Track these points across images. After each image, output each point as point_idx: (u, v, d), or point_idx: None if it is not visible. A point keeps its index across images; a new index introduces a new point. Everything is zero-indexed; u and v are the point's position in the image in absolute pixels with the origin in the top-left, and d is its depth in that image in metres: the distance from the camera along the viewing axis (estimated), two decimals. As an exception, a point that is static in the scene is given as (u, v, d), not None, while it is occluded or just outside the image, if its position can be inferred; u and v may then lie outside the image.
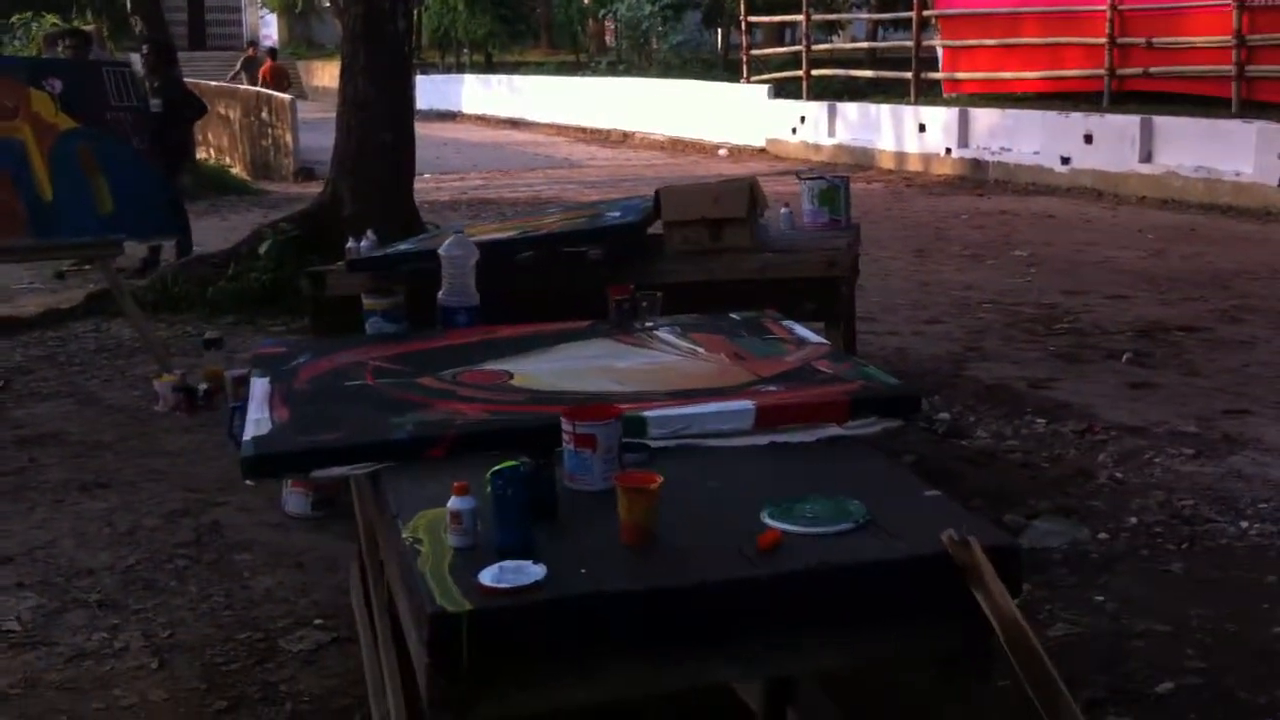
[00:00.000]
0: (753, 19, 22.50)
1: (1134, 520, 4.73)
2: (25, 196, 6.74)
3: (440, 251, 3.90)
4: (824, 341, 3.67)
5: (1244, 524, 4.67)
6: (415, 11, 19.09)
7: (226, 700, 3.64)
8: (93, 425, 6.43)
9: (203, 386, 6.65)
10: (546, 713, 2.27)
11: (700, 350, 3.52)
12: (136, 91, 7.51)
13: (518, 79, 30.05)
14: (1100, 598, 4.13)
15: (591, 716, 2.31)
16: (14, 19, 23.70)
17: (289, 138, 18.90)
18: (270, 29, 43.59)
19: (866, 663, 2.57)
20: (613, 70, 28.53)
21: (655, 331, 3.72)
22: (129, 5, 16.13)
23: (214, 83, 23.01)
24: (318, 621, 4.14)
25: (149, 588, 4.43)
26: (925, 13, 18.33)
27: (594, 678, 2.22)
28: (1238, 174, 12.87)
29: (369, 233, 5.25)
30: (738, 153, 20.25)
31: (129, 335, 8.05)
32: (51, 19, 23.03)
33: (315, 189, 12.58)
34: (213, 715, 3.57)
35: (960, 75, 17.97)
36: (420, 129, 10.20)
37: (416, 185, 10.10)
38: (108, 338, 8.37)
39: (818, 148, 18.90)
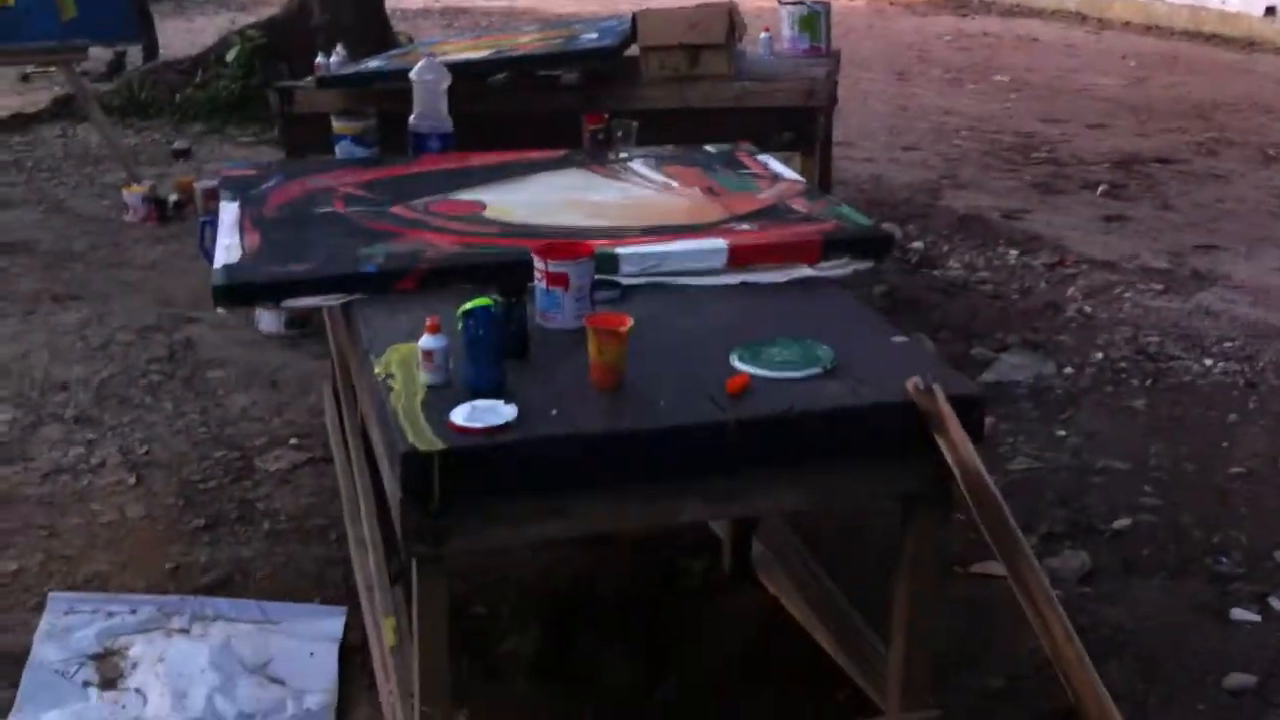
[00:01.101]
0: None
1: (1100, 356, 4.79)
2: (-15, 0, 6.58)
3: (411, 75, 3.82)
4: (799, 178, 3.64)
5: (1208, 361, 4.73)
6: None
7: (204, 518, 3.70)
8: (62, 234, 6.38)
9: (173, 197, 6.60)
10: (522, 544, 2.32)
11: (675, 184, 3.49)
12: (98, -111, 7.24)
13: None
14: (1063, 433, 4.21)
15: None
16: None
17: (257, -65, 18.31)
18: None
19: (832, 503, 2.63)
20: None
21: (630, 163, 3.69)
22: None
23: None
24: (293, 441, 4.19)
25: (124, 403, 4.46)
26: None
27: (564, 514, 2.27)
28: (1224, 2, 12.65)
29: (339, 47, 5.12)
30: (719, -38, 19.70)
31: (96, 141, 7.92)
32: None
33: (284, -10, 12.24)
34: (190, 533, 3.63)
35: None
36: (393, -69, 9.91)
37: (389, -9, 9.85)
38: (75, 143, 8.24)
39: (801, -41, 18.41)
